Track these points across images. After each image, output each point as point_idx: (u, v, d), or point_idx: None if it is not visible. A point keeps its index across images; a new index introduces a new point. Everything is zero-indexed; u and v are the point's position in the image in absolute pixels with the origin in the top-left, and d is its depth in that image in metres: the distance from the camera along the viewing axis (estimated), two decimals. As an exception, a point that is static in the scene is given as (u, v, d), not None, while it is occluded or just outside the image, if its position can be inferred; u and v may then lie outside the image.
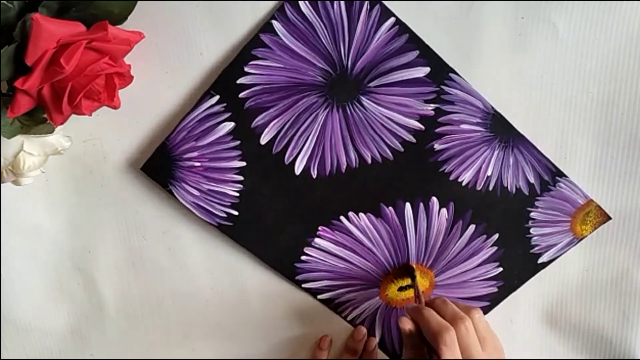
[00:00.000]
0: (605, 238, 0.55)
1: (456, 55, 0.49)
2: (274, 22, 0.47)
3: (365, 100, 0.49)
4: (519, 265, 0.56)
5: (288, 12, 0.46)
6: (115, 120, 0.49)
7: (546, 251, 0.55)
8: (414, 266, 0.55)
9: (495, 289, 0.57)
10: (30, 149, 0.46)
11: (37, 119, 0.44)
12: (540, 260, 0.56)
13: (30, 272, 0.54)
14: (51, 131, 0.46)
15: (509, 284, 0.57)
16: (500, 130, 0.51)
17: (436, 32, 0.48)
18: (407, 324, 0.47)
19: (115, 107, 0.45)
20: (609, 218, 0.54)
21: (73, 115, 0.43)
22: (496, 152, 0.52)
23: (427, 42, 0.48)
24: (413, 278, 0.54)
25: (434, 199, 0.53)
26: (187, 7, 0.46)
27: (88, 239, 0.54)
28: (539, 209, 0.54)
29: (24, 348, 0.57)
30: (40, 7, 0.39)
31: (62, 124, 0.43)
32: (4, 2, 0.38)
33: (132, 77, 0.45)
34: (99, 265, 0.54)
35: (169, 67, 0.48)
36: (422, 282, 0.56)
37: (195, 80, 0.49)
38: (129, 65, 0.45)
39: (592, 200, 0.54)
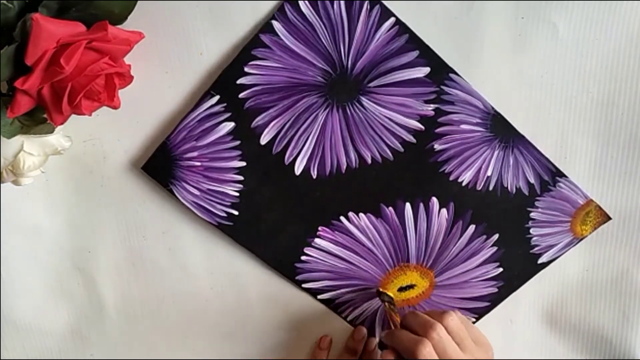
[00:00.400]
0: (605, 238, 0.55)
1: (456, 55, 0.49)
2: (274, 22, 0.47)
3: (365, 101, 0.49)
4: (519, 265, 0.56)
5: (288, 12, 0.47)
6: (115, 120, 0.49)
7: (546, 251, 0.55)
8: (382, 290, 0.55)
9: (495, 289, 0.57)
10: (30, 149, 0.46)
11: (37, 119, 0.44)
12: (540, 261, 0.56)
13: (30, 272, 0.54)
14: (51, 131, 0.46)
15: (509, 284, 0.57)
16: (500, 131, 0.51)
17: (436, 32, 0.48)
18: (388, 355, 0.47)
19: (115, 107, 0.45)
20: (609, 218, 0.54)
21: (73, 115, 0.43)
22: (496, 152, 0.52)
23: (427, 42, 0.48)
24: (383, 302, 0.54)
25: (434, 199, 0.53)
26: (187, 7, 0.46)
27: (88, 239, 0.54)
28: (539, 209, 0.54)
29: (24, 348, 0.57)
30: (40, 7, 0.39)
31: (62, 124, 0.43)
32: (4, 2, 0.38)
33: (132, 77, 0.45)
34: (99, 265, 0.54)
35: (169, 67, 0.48)
36: (422, 283, 0.56)
37: (195, 81, 0.49)
38: (129, 65, 0.45)
39: (592, 200, 0.54)
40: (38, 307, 0.55)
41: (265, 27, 0.47)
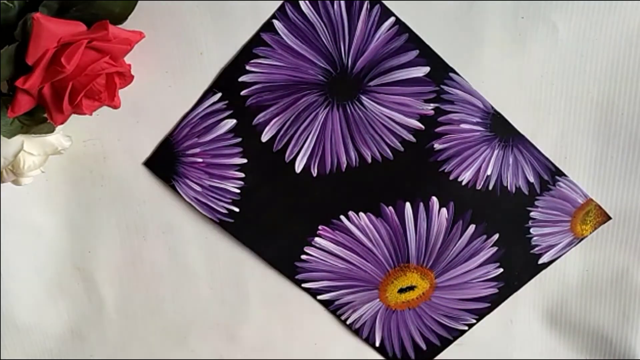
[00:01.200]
0: (605, 238, 0.55)
1: (456, 55, 0.49)
2: (275, 21, 0.47)
3: (365, 100, 0.49)
4: (519, 265, 0.56)
5: (289, 12, 0.47)
6: (115, 120, 0.49)
7: (546, 251, 0.55)
8: None
9: (495, 290, 0.57)
10: (30, 148, 0.46)
11: (38, 119, 0.44)
12: (540, 261, 0.56)
13: (30, 272, 0.54)
14: (51, 131, 0.46)
15: (509, 284, 0.57)
16: (500, 130, 0.51)
17: (436, 32, 0.48)
18: None
19: (115, 107, 0.45)
20: (609, 218, 0.54)
21: (73, 115, 0.43)
22: (496, 152, 0.52)
23: (427, 42, 0.48)
24: None
25: (434, 198, 0.53)
26: (187, 7, 0.46)
27: (88, 239, 0.54)
28: (539, 209, 0.54)
29: (24, 348, 0.57)
30: (41, 6, 0.39)
31: (62, 123, 0.43)
32: (5, 1, 0.38)
33: (132, 77, 0.45)
34: (99, 265, 0.54)
35: (169, 67, 0.48)
36: (423, 284, 0.56)
37: (196, 80, 0.49)
38: (130, 65, 0.45)
39: (591, 200, 0.54)
40: (38, 307, 0.55)
41: (266, 25, 0.47)
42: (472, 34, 0.48)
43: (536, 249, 0.55)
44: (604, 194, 0.54)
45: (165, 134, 0.50)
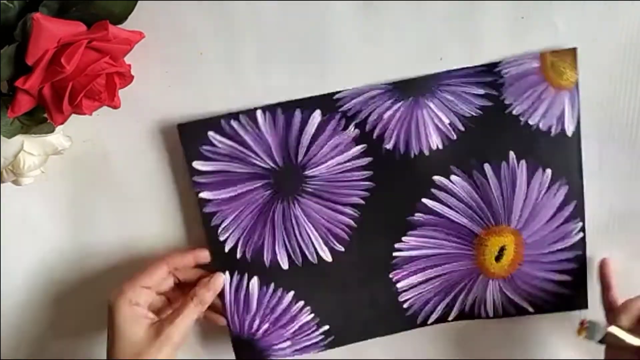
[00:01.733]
0: (605, 238, 0.55)
1: (456, 55, 0.49)
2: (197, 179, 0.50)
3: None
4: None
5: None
6: (115, 120, 0.49)
7: (545, 121, 0.50)
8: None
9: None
10: (30, 148, 0.46)
11: (38, 119, 0.44)
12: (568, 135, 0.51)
13: (30, 272, 0.54)
14: (51, 131, 0.46)
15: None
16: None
17: (436, 32, 0.48)
18: None
19: (115, 107, 0.45)
20: (574, 49, 0.49)
21: (73, 115, 0.43)
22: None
23: (426, 42, 0.48)
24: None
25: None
26: (187, 7, 0.47)
27: (88, 239, 0.54)
28: (514, 105, 0.50)
29: (24, 348, 0.57)
30: (41, 6, 0.39)
31: (62, 123, 0.43)
32: (5, 1, 0.38)
33: (132, 77, 0.45)
34: (99, 265, 0.54)
35: (169, 67, 0.48)
36: (508, 240, 0.54)
37: (195, 80, 0.49)
38: (129, 65, 0.45)
39: (545, 54, 0.49)
40: (38, 307, 0.55)
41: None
42: (472, 34, 0.48)
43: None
44: (604, 194, 0.54)
45: (164, 133, 0.50)
